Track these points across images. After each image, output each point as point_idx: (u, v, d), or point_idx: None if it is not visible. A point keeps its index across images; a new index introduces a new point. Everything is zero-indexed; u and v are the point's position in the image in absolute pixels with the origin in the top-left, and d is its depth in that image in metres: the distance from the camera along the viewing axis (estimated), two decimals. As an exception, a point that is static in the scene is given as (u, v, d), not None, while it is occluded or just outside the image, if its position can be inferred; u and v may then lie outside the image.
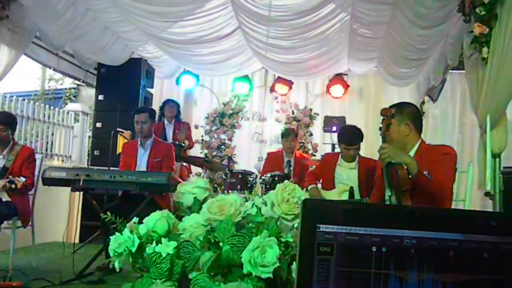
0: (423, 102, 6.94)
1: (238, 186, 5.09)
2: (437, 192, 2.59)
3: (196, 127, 7.53)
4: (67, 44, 5.99)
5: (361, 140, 4.31)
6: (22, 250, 4.78)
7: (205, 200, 1.50)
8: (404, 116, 2.80)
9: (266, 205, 1.42)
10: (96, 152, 6.61)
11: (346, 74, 7.27)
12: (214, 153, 7.62)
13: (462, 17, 4.19)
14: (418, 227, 0.62)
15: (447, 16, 4.56)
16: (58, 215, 6.24)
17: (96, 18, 5.54)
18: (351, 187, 4.06)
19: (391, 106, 2.89)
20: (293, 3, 5.00)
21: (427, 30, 4.88)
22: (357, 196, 4.08)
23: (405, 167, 2.59)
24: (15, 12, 4.70)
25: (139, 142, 4.58)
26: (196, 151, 7.23)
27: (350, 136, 4.26)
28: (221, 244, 1.29)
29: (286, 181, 1.40)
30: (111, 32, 5.93)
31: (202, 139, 7.61)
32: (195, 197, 1.50)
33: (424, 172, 2.55)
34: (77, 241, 5.37)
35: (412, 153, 2.77)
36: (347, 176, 4.21)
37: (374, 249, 0.62)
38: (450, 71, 6.13)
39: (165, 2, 5.07)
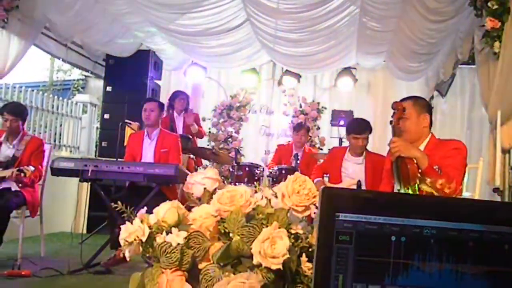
0: (431, 97, 6.89)
1: (245, 179, 5.09)
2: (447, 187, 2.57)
3: (204, 119, 7.52)
4: (76, 35, 6.01)
5: (370, 132, 4.29)
6: (30, 240, 4.82)
7: (214, 190, 1.50)
8: (422, 108, 2.80)
9: (276, 196, 1.42)
10: (104, 143, 6.65)
11: (355, 68, 7.23)
12: (221, 146, 7.62)
13: (474, 11, 4.16)
14: (438, 217, 0.61)
15: (458, 10, 4.52)
16: (66, 205, 6.29)
17: (105, 10, 5.54)
18: (359, 181, 4.05)
19: (405, 99, 2.88)
20: (302, -4, 4.99)
21: (437, 24, 4.84)
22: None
23: (415, 161, 2.57)
24: (25, 2, 4.71)
25: (145, 133, 4.59)
26: (203, 144, 7.23)
27: (359, 125, 4.26)
28: (231, 234, 1.29)
29: (296, 172, 1.39)
30: (120, 23, 5.93)
31: (209, 132, 7.62)
32: (204, 188, 1.50)
33: (434, 167, 2.54)
34: (84, 231, 5.42)
35: (422, 147, 2.75)
36: (353, 170, 4.21)
37: (393, 238, 0.62)
38: (459, 66, 6.09)
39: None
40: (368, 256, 0.62)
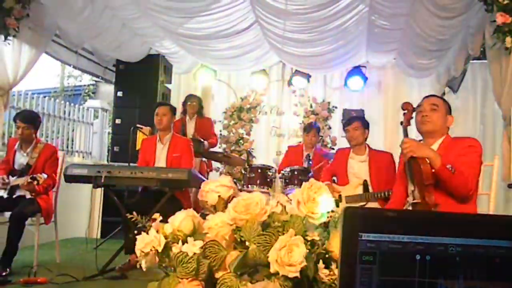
0: (443, 94, 6.82)
1: (258, 181, 5.08)
2: (461, 186, 2.55)
3: (214, 122, 7.52)
4: (86, 41, 6.05)
5: (364, 124, 4.27)
6: (45, 246, 4.85)
7: (229, 198, 1.50)
8: (449, 109, 2.80)
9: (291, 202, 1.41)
10: (116, 148, 6.68)
11: (365, 67, 7.18)
12: (233, 148, 7.62)
13: (484, 6, 4.12)
14: (463, 234, 0.60)
15: (468, 6, 4.47)
16: (80, 211, 6.33)
17: (114, 16, 5.57)
18: (365, 180, 4.05)
19: (432, 95, 2.93)
20: (310, -4, 4.96)
21: (447, 21, 4.80)
22: (371, 189, 4.05)
23: (428, 161, 2.55)
24: (35, 11, 4.75)
25: (157, 138, 4.61)
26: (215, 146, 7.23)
27: (348, 118, 4.47)
28: (247, 243, 1.29)
29: (311, 179, 1.38)
30: (129, 29, 5.96)
31: (220, 134, 7.62)
32: (219, 196, 1.50)
33: (448, 166, 2.51)
34: (98, 236, 5.46)
35: (436, 145, 2.73)
36: (358, 168, 4.20)
37: (418, 257, 0.60)
38: (471, 61, 6.03)
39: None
40: (392, 276, 0.60)
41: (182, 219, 1.38)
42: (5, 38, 4.56)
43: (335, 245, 1.33)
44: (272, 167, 5.31)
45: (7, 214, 3.95)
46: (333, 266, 1.34)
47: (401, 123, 2.85)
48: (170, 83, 7.24)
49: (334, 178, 4.43)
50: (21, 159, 4.23)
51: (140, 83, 6.61)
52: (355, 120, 4.30)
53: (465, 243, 0.60)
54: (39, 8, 4.81)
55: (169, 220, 1.42)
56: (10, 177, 4.16)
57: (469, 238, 0.60)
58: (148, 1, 5.11)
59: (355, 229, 0.59)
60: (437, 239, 0.60)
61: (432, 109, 2.74)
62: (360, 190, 4.04)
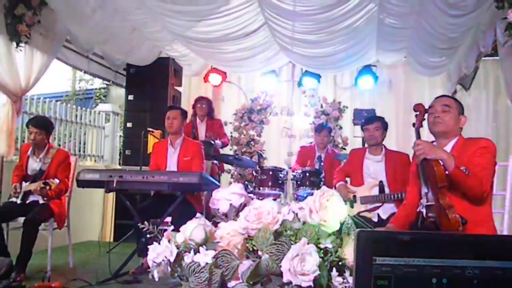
0: (455, 91, 6.75)
1: (269, 183, 5.08)
2: (476, 188, 2.52)
3: (225, 123, 7.52)
4: (97, 46, 6.09)
5: (383, 125, 4.21)
6: (59, 250, 4.89)
7: (241, 206, 1.49)
8: (461, 109, 2.77)
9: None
10: (127, 152, 6.71)
11: (375, 66, 7.13)
12: (244, 150, 7.61)
13: (495, 3, 4.07)
14: (481, 257, 0.58)
15: (478, 3, 4.42)
16: (93, 214, 6.38)
17: (124, 20, 5.59)
18: (381, 181, 4.01)
19: (445, 96, 2.91)
20: (319, -3, 4.93)
21: (457, 19, 4.74)
22: (387, 190, 4.01)
23: (441, 163, 2.52)
24: (46, 17, 4.79)
25: (169, 142, 4.63)
26: (226, 148, 7.23)
27: (368, 117, 4.47)
28: (259, 252, 1.28)
29: (324, 186, 1.37)
30: (139, 33, 5.98)
31: (231, 136, 7.62)
32: (230, 204, 1.49)
33: (462, 168, 2.49)
34: (111, 239, 5.50)
35: (449, 147, 2.71)
36: (374, 169, 4.15)
37: (434, 280, 0.59)
38: (483, 58, 5.96)
39: (191, 1, 5.08)
40: (408, 301, 0.59)
41: (193, 228, 1.38)
42: (17, 45, 4.61)
43: (348, 252, 1.31)
44: (284, 169, 5.29)
45: (21, 219, 3.99)
46: (347, 273, 1.33)
47: (413, 124, 2.82)
48: (180, 85, 7.26)
49: (347, 179, 4.40)
50: (34, 164, 4.27)
51: (150, 87, 6.63)
52: (377, 120, 4.24)
53: (482, 265, 0.58)
54: (50, 14, 4.85)
55: (181, 229, 1.41)
56: (23, 182, 4.20)
57: (487, 260, 0.58)
58: (158, 5, 5.12)
59: (369, 253, 0.58)
60: (454, 261, 0.58)
61: (444, 110, 2.72)
62: (375, 191, 3.99)
